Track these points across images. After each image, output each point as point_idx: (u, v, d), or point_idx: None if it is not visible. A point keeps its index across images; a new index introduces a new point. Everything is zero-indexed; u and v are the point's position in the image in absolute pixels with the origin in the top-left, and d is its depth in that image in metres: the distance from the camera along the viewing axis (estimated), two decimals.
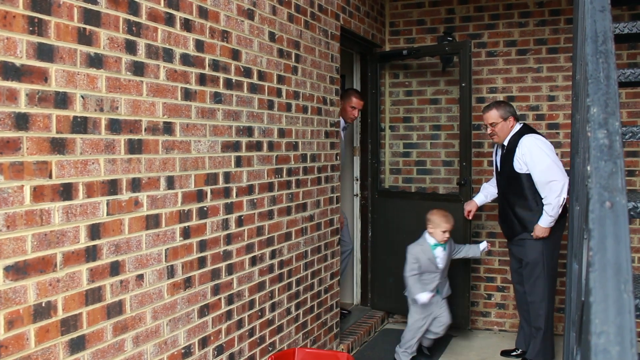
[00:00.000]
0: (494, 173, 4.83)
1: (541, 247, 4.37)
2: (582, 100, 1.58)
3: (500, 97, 5.42)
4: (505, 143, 4.44)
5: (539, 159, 4.25)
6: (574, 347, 1.51)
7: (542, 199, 4.31)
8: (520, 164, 4.34)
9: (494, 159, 4.74)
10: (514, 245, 4.53)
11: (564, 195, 4.18)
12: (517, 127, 4.44)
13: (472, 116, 5.14)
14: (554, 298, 4.51)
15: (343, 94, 4.95)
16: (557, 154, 4.41)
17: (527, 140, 4.31)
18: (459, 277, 5.04)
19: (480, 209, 5.36)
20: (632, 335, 0.87)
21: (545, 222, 4.28)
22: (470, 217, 4.92)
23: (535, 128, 4.77)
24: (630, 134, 1.85)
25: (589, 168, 1.15)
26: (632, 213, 1.70)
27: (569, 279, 2.33)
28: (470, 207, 4.89)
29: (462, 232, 5.01)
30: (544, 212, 4.28)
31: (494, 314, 5.55)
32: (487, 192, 4.86)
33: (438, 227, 4.45)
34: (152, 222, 2.63)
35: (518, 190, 4.38)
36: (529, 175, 4.32)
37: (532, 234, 4.34)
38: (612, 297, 0.92)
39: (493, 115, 4.44)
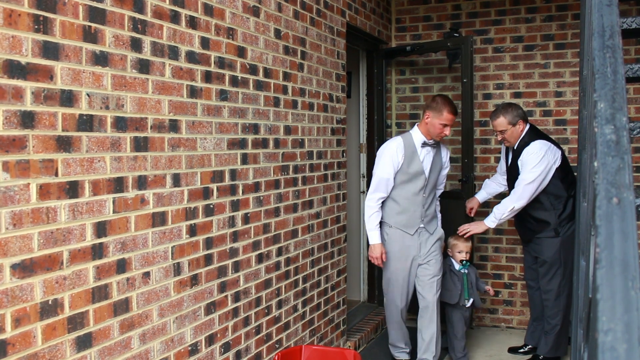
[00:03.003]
0: (498, 169, 4.80)
1: (558, 245, 4.35)
2: (589, 95, 1.57)
3: (507, 93, 5.40)
4: (515, 147, 4.41)
5: (525, 168, 4.24)
6: (581, 345, 1.51)
7: (555, 198, 4.29)
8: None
9: (502, 155, 4.70)
10: (531, 243, 4.51)
11: (513, 205, 4.27)
12: (526, 129, 4.39)
13: (474, 112, 5.12)
14: (572, 296, 4.48)
15: (430, 103, 4.12)
16: (562, 152, 4.36)
17: (530, 148, 4.27)
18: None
19: (487, 205, 5.34)
20: (639, 333, 0.87)
21: (489, 221, 4.41)
22: (472, 215, 4.90)
23: (542, 130, 4.72)
24: (638, 130, 1.84)
25: (596, 164, 1.14)
26: (639, 209, 1.68)
27: (577, 275, 2.31)
28: (471, 204, 4.87)
29: None
30: (493, 210, 4.37)
31: (501, 311, 5.53)
32: (489, 188, 4.83)
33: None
34: (158, 219, 2.63)
35: None
36: None
37: (463, 227, 4.51)
38: (619, 295, 0.91)
39: (501, 122, 4.35)
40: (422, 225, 4.16)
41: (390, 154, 4.05)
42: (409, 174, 4.07)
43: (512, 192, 4.28)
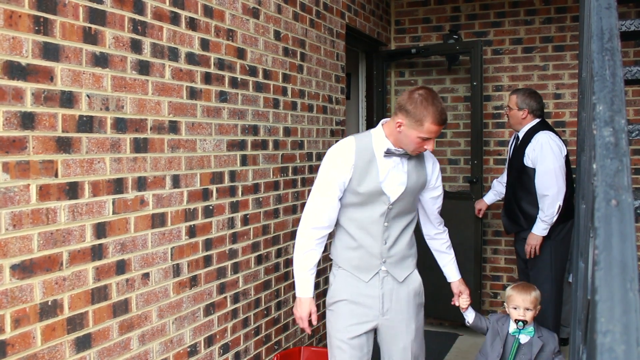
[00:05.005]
0: (506, 166, 4.79)
1: (549, 247, 4.33)
2: (588, 98, 1.57)
3: (506, 95, 5.40)
4: (521, 135, 4.40)
5: (545, 160, 4.20)
6: (579, 346, 1.51)
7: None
8: (529, 159, 4.30)
9: (508, 151, 4.69)
10: (519, 245, 4.50)
11: (558, 203, 4.13)
12: (534, 122, 4.38)
13: (483, 114, 5.14)
14: (562, 299, 4.48)
15: (405, 102, 2.60)
16: (567, 154, 4.35)
17: (541, 137, 4.23)
18: (471, 275, 5.05)
19: (496, 207, 5.35)
20: (638, 334, 0.87)
21: (538, 229, 4.19)
22: (480, 215, 4.96)
23: (552, 126, 4.72)
24: (637, 132, 1.84)
25: (594, 166, 1.15)
26: (638, 211, 1.69)
27: (575, 277, 2.32)
28: (480, 205, 4.92)
29: (474, 231, 5.04)
30: (537, 218, 4.18)
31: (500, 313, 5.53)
32: (497, 190, 4.85)
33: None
34: (157, 220, 2.63)
35: (526, 185, 4.33)
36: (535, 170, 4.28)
37: (525, 244, 4.26)
38: (617, 296, 0.91)
39: (512, 99, 4.40)
40: (383, 269, 2.75)
41: (332, 164, 2.69)
42: (361, 195, 2.69)
43: (546, 186, 4.14)
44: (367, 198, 2.69)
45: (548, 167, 4.16)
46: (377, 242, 2.74)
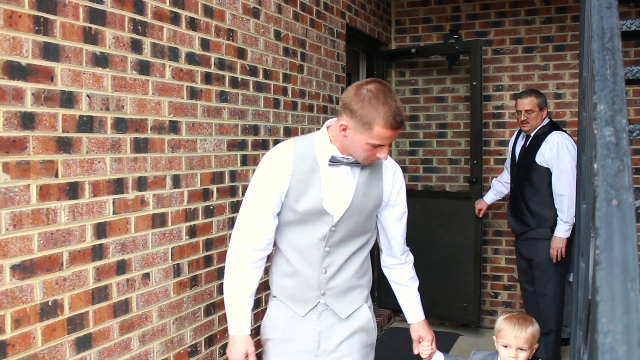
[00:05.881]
0: (506, 167, 4.77)
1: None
2: (589, 97, 1.57)
3: (507, 95, 5.40)
4: (532, 134, 4.37)
5: (562, 161, 4.18)
6: (580, 346, 1.51)
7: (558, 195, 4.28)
8: (544, 158, 4.27)
9: (509, 150, 4.67)
10: (522, 244, 4.49)
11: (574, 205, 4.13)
12: (546, 121, 4.37)
13: (483, 114, 5.14)
14: (564, 298, 4.47)
15: (350, 101, 2.08)
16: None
17: (558, 137, 4.20)
18: (471, 275, 5.04)
19: (496, 207, 5.35)
20: (639, 335, 0.87)
21: (560, 231, 4.18)
22: (480, 215, 4.95)
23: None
24: (638, 132, 1.84)
25: (595, 166, 1.15)
26: (639, 211, 1.69)
27: (577, 277, 2.32)
28: (480, 205, 4.92)
29: (474, 231, 5.03)
30: (558, 221, 4.18)
31: (501, 313, 5.53)
32: (497, 189, 4.84)
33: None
34: (158, 220, 2.63)
35: (536, 184, 4.31)
36: (549, 170, 4.24)
37: (551, 249, 4.23)
38: (618, 296, 0.91)
39: (531, 101, 4.27)
40: (322, 301, 2.29)
41: (265, 174, 2.22)
42: (299, 213, 2.22)
43: (565, 186, 4.14)
44: (306, 217, 2.21)
45: (565, 167, 4.15)
46: (315, 271, 2.26)
